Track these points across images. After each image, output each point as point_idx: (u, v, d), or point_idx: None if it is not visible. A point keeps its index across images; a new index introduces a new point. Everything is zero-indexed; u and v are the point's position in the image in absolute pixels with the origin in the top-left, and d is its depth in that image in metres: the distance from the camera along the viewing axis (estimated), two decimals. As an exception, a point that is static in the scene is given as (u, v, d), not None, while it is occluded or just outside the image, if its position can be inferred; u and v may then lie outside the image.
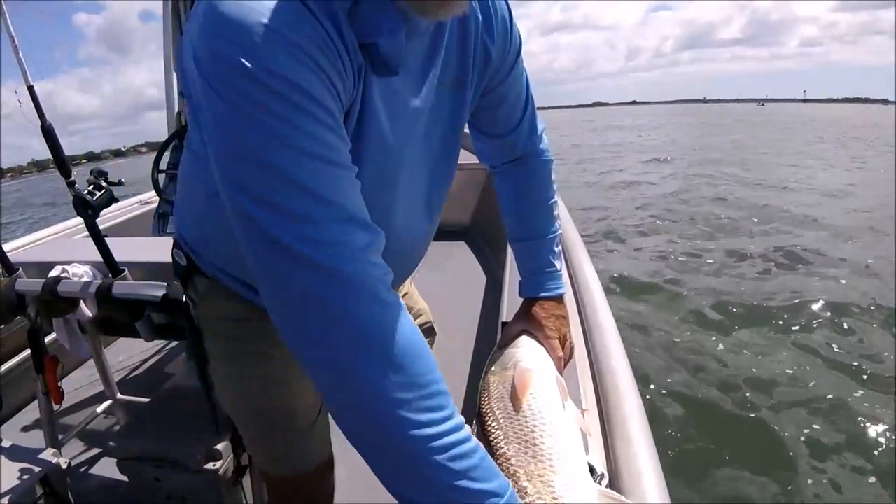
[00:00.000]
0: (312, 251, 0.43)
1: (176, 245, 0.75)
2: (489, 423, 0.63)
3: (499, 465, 0.52)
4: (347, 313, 0.43)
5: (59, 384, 1.23)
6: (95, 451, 1.53)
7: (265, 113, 0.41)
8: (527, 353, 0.73)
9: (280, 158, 0.42)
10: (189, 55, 0.45)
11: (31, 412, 1.69)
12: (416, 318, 0.97)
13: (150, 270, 1.16)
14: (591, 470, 0.60)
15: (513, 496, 0.45)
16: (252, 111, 0.42)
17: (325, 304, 0.43)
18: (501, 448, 0.58)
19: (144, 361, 2.03)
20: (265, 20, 0.41)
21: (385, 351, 0.43)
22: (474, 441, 0.45)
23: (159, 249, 1.21)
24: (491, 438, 0.60)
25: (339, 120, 0.47)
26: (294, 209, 0.43)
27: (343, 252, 0.44)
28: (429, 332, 1.01)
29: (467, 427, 0.46)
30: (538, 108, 0.81)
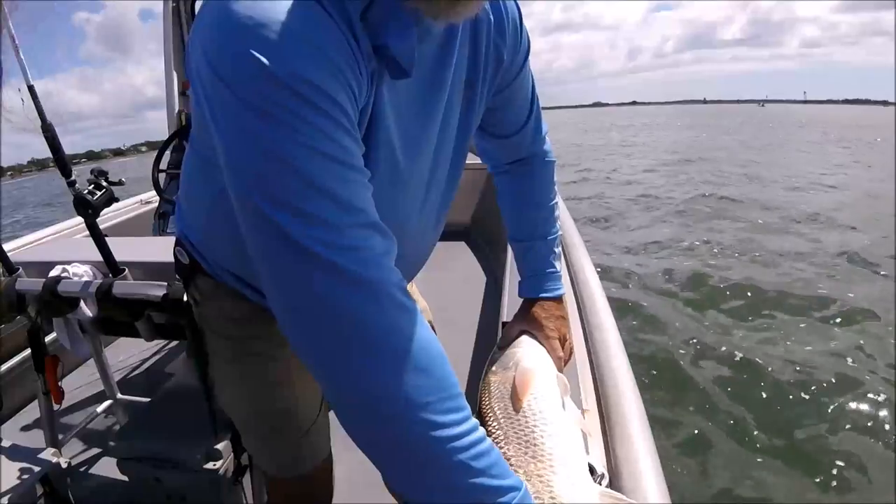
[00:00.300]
0: (335, 256, 0.42)
1: (178, 244, 0.74)
2: (490, 422, 0.63)
3: None
4: (369, 318, 0.43)
5: (59, 384, 1.23)
6: (95, 451, 1.53)
7: (284, 112, 0.41)
8: (528, 354, 0.73)
9: (300, 160, 0.41)
10: (199, 54, 0.43)
11: (31, 412, 1.69)
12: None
13: (150, 270, 1.16)
14: (592, 470, 0.60)
15: (527, 492, 0.45)
16: (272, 111, 0.41)
17: (346, 309, 0.42)
18: (501, 448, 0.58)
19: (144, 361, 2.03)
20: (281, 19, 0.41)
21: (408, 354, 0.43)
22: (489, 439, 0.45)
23: (159, 249, 1.21)
24: (491, 438, 0.60)
25: (355, 123, 0.46)
26: (315, 212, 0.42)
27: (364, 257, 0.43)
28: None
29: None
30: (537, 108, 0.80)
